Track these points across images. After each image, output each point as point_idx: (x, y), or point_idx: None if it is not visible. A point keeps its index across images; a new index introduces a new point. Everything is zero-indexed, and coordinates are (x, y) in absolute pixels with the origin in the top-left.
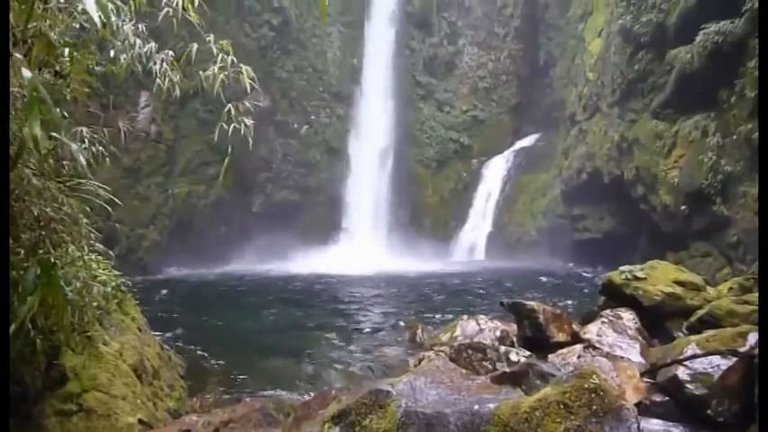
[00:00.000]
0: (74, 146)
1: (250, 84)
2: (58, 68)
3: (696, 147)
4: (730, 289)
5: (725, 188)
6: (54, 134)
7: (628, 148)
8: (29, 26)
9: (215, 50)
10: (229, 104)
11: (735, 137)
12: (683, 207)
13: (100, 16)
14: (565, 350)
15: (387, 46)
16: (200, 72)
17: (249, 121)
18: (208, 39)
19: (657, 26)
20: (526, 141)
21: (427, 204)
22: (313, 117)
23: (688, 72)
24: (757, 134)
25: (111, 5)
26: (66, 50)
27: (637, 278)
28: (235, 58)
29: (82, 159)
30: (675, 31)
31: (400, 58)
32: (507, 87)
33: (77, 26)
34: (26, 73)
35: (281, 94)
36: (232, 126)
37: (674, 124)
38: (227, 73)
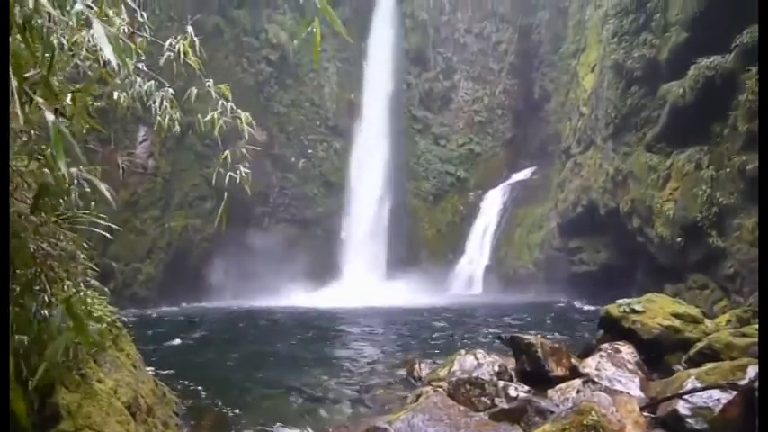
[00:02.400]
0: (104, 187)
1: (245, 129)
2: (58, 106)
3: (690, 179)
4: (728, 321)
5: (720, 220)
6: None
7: (623, 181)
8: (32, 73)
9: (214, 94)
10: (226, 151)
11: (728, 169)
12: (679, 239)
13: (118, 63)
14: (564, 385)
15: (383, 81)
16: (199, 116)
17: (246, 170)
18: (207, 84)
19: (649, 61)
20: (522, 174)
21: (424, 237)
22: (310, 151)
23: (680, 106)
24: (751, 167)
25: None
26: (69, 96)
27: (635, 311)
28: (233, 105)
29: (105, 192)
30: (667, 66)
31: (397, 92)
32: (503, 121)
33: (78, 63)
34: (49, 116)
35: (278, 129)
36: (231, 168)
37: (668, 157)
38: (225, 119)
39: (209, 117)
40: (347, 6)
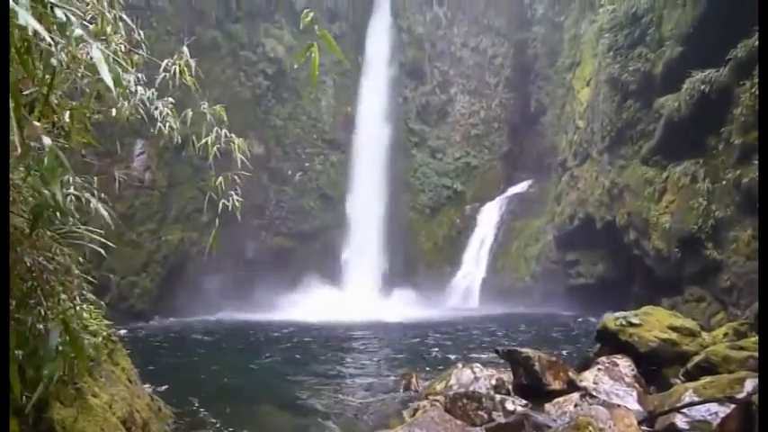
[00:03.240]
0: (100, 206)
1: (239, 154)
2: (55, 120)
3: (686, 192)
4: (725, 334)
5: (716, 233)
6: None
7: (619, 194)
8: (30, 90)
9: (209, 116)
10: (220, 178)
11: (724, 182)
12: (676, 252)
13: (117, 91)
14: (561, 398)
15: (380, 94)
16: (194, 137)
17: (238, 198)
18: (203, 104)
19: (644, 75)
20: (518, 187)
21: (421, 251)
22: (307, 164)
23: (676, 119)
24: (746, 180)
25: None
26: (68, 113)
27: (632, 324)
28: (227, 131)
29: (101, 210)
30: (662, 80)
31: (393, 106)
32: (499, 134)
33: (76, 79)
34: (46, 141)
35: (275, 142)
36: (221, 192)
37: (664, 170)
38: (218, 146)
39: (203, 142)
40: (344, 21)
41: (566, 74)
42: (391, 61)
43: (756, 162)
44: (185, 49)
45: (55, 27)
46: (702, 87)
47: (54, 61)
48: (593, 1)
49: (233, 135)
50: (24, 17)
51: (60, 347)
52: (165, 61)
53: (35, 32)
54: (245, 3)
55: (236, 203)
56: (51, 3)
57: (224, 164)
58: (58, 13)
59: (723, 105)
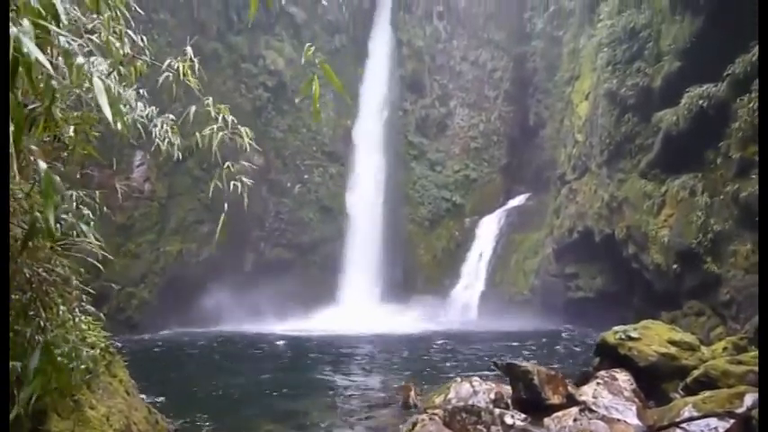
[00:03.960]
0: (85, 227)
1: (246, 143)
2: (58, 133)
3: (685, 206)
4: (725, 349)
5: (715, 247)
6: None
7: (618, 208)
8: (34, 105)
9: (213, 113)
10: (227, 163)
11: (722, 196)
12: (675, 266)
13: (115, 120)
14: (560, 413)
15: (380, 107)
16: (197, 133)
17: (248, 181)
18: (206, 102)
19: (643, 89)
20: (517, 200)
21: (420, 263)
22: (306, 176)
23: (674, 134)
24: (744, 194)
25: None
26: (72, 128)
27: (631, 338)
28: (234, 118)
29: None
30: (660, 94)
31: (393, 118)
32: (498, 147)
33: (80, 94)
34: (42, 165)
35: (274, 154)
36: (229, 184)
37: (663, 184)
38: (225, 133)
39: (208, 131)
40: (344, 34)
41: (565, 88)
42: (391, 74)
43: (755, 176)
44: (189, 49)
45: (55, 52)
46: (700, 102)
47: (55, 83)
48: (592, 16)
49: (239, 125)
50: (28, 47)
51: (42, 366)
52: (168, 61)
53: (37, 60)
54: (247, 15)
55: (246, 185)
56: (56, 31)
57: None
58: (62, 41)
59: (721, 120)
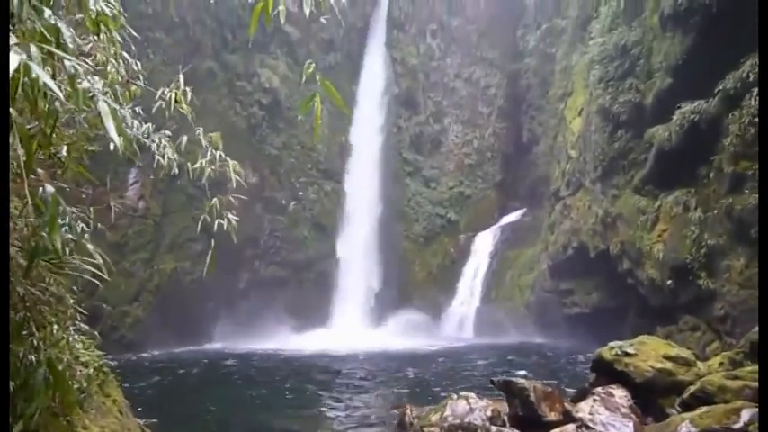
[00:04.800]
0: (91, 246)
1: (234, 178)
2: (52, 152)
3: (678, 221)
4: (721, 364)
5: (709, 262)
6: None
7: (612, 223)
8: (30, 126)
9: (204, 142)
10: (214, 199)
11: (716, 211)
12: (669, 281)
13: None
14: (557, 430)
15: (374, 124)
16: (189, 163)
17: (234, 217)
18: (198, 132)
19: (635, 106)
20: (512, 216)
21: (415, 280)
22: (301, 193)
23: (667, 149)
24: (738, 208)
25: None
26: (65, 148)
27: (627, 354)
28: (222, 153)
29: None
30: (652, 111)
31: (387, 135)
32: (492, 164)
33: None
34: (49, 189)
35: (269, 171)
36: (217, 216)
37: (656, 199)
38: (213, 168)
39: (197, 165)
40: (339, 52)
41: (558, 104)
42: (385, 91)
43: (748, 191)
44: (181, 77)
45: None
46: (692, 118)
47: (57, 104)
48: (584, 34)
49: (228, 159)
50: (38, 73)
51: (47, 383)
52: (161, 90)
53: (43, 83)
54: (242, 34)
55: (231, 226)
56: (61, 56)
57: (219, 192)
58: (68, 64)
59: (713, 135)
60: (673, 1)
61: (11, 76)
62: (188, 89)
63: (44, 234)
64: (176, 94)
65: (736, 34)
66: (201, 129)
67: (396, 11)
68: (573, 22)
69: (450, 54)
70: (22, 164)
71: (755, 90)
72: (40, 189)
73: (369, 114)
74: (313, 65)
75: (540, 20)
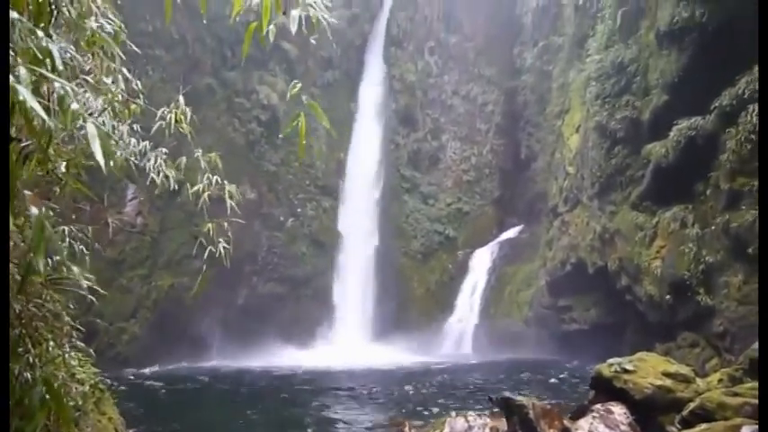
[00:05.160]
0: (76, 269)
1: (232, 203)
2: (50, 168)
3: (676, 237)
4: (720, 380)
5: (707, 278)
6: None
7: (610, 239)
8: (27, 143)
9: (203, 164)
10: (209, 224)
11: (713, 227)
12: (668, 297)
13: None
14: None
15: (372, 141)
16: (188, 185)
17: (227, 246)
18: (197, 153)
19: (632, 122)
20: (510, 233)
21: (413, 296)
22: (299, 210)
23: (664, 166)
24: (735, 225)
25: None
26: (63, 164)
27: (626, 371)
28: (218, 177)
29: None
30: (649, 127)
31: (385, 152)
32: (490, 180)
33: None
34: (33, 210)
35: (267, 188)
36: (212, 238)
37: (654, 216)
38: (209, 192)
39: (195, 189)
40: (337, 69)
41: (555, 121)
42: (383, 108)
43: (745, 207)
44: (181, 98)
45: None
46: (689, 134)
47: (51, 124)
48: (580, 51)
49: (225, 182)
50: (25, 96)
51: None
52: (162, 110)
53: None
54: (240, 51)
55: (226, 250)
56: (51, 78)
57: (217, 210)
58: (57, 86)
59: (710, 152)
60: (668, 19)
61: None
62: (188, 108)
63: (32, 254)
64: (176, 113)
65: (732, 51)
66: (200, 150)
67: (394, 28)
68: (569, 39)
69: (448, 71)
70: (9, 183)
71: (751, 107)
72: (33, 209)
73: (367, 131)
74: (299, 85)
75: (536, 37)
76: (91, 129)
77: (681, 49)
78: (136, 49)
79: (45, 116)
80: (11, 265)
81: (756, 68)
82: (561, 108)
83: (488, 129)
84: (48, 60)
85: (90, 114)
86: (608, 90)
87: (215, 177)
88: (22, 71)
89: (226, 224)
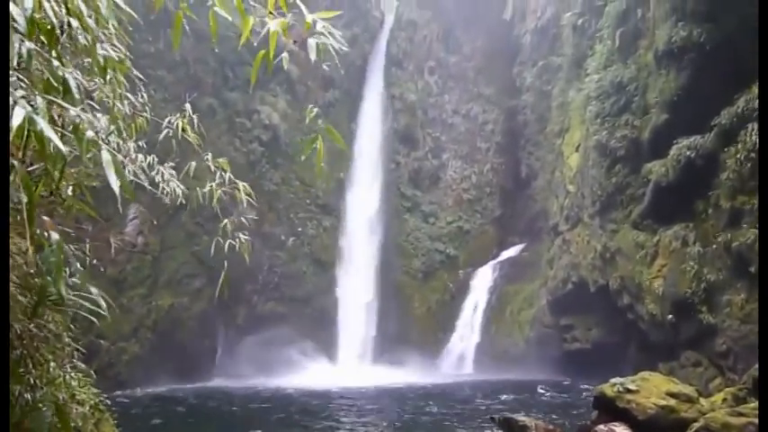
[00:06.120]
0: (94, 289)
1: (244, 198)
2: (53, 187)
3: (677, 256)
4: (724, 400)
5: (709, 296)
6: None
7: (611, 258)
8: (35, 167)
9: (212, 167)
10: (225, 220)
11: (714, 246)
12: (670, 316)
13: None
14: None
15: (373, 160)
16: (198, 189)
17: (245, 237)
18: (206, 157)
19: (632, 141)
20: (511, 251)
21: (414, 315)
22: (300, 229)
23: (664, 184)
24: (736, 243)
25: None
26: (70, 188)
27: (629, 390)
28: (231, 175)
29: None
30: (649, 146)
31: (386, 171)
32: (491, 199)
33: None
34: (54, 236)
35: (268, 207)
36: (227, 240)
37: (655, 234)
38: (223, 189)
39: (207, 188)
40: (338, 89)
41: (555, 140)
42: (384, 127)
43: (746, 226)
44: (188, 105)
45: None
46: (688, 153)
47: (65, 150)
48: (579, 71)
49: (237, 181)
50: (42, 126)
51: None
52: (168, 119)
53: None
54: (242, 72)
55: (244, 242)
56: (67, 106)
57: (220, 225)
58: (72, 114)
59: (709, 170)
60: (666, 39)
61: (14, 126)
62: (195, 116)
63: (49, 279)
64: (183, 122)
65: (730, 70)
66: (210, 154)
67: (394, 48)
68: (568, 59)
69: (448, 90)
70: (25, 209)
71: (751, 125)
72: (47, 234)
73: (367, 150)
74: (315, 109)
75: (535, 57)
76: (105, 156)
77: (679, 69)
78: (139, 75)
79: (62, 146)
80: (12, 285)
81: (755, 88)
82: (561, 127)
83: (489, 147)
84: (61, 88)
85: (96, 133)
86: (607, 109)
87: (228, 175)
88: (39, 101)
89: (243, 219)
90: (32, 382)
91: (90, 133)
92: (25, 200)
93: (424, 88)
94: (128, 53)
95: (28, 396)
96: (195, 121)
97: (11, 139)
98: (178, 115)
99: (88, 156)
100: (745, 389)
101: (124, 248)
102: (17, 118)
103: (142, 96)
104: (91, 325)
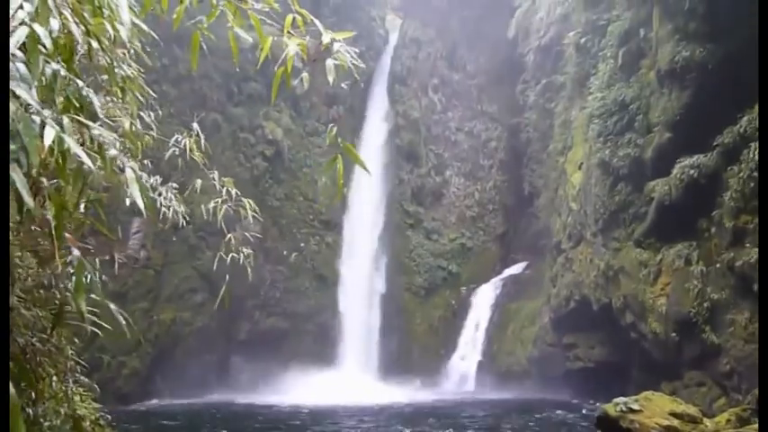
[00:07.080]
0: (112, 306)
1: (246, 213)
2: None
3: (681, 275)
4: (728, 421)
5: (713, 316)
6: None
7: (614, 276)
8: (48, 184)
9: (218, 185)
10: (229, 235)
11: (718, 265)
12: (673, 335)
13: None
14: None
15: (376, 176)
16: (203, 206)
17: (248, 251)
18: (212, 175)
19: (635, 160)
20: (514, 269)
21: (416, 332)
22: (302, 244)
23: (667, 203)
24: (739, 263)
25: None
26: (83, 205)
27: (632, 410)
28: (238, 191)
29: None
30: (652, 165)
31: (389, 187)
32: (494, 216)
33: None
34: (76, 253)
35: (271, 222)
36: (229, 254)
37: (658, 253)
38: (229, 205)
39: (212, 204)
40: (342, 105)
41: (558, 157)
42: (387, 144)
43: (749, 245)
44: (195, 125)
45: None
46: (691, 172)
47: (94, 168)
48: (582, 89)
49: (242, 198)
50: (71, 146)
51: None
52: (175, 137)
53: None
54: (246, 87)
55: (249, 257)
56: (92, 126)
57: (221, 243)
58: (95, 133)
59: (713, 189)
60: (669, 58)
61: (46, 147)
62: (202, 135)
63: (67, 294)
64: (190, 141)
65: (733, 89)
66: (216, 172)
67: (398, 66)
68: (571, 78)
69: (452, 108)
70: (54, 230)
71: (753, 144)
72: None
73: (371, 166)
74: (335, 129)
75: (539, 76)
76: (129, 173)
77: (682, 88)
78: (151, 92)
79: (91, 164)
80: (14, 299)
81: (757, 107)
82: (564, 145)
83: (492, 165)
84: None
85: (119, 164)
86: (610, 128)
87: (233, 190)
88: (66, 121)
89: (247, 234)
90: (35, 396)
91: (113, 151)
92: (51, 215)
93: (427, 105)
94: (141, 70)
95: (29, 411)
96: (202, 140)
97: (42, 157)
98: (185, 133)
99: (98, 170)
100: (749, 409)
101: (127, 263)
102: (48, 138)
103: (149, 114)
104: (92, 339)
